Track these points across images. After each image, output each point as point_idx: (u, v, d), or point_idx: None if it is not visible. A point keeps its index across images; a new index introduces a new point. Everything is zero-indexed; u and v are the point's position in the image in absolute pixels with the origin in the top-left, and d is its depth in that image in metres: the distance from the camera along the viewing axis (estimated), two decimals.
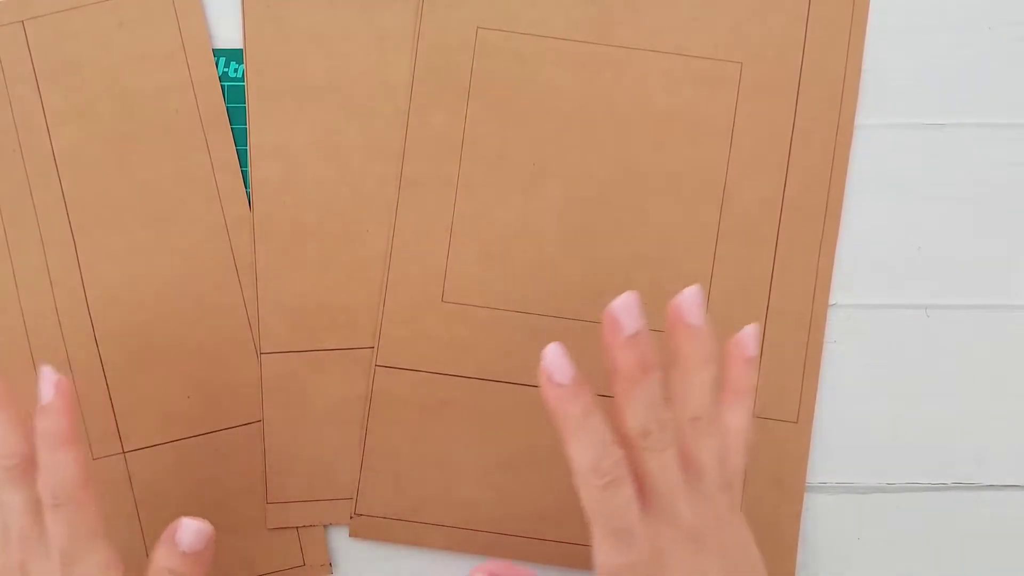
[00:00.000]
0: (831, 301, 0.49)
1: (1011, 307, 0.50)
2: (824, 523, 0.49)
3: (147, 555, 0.47)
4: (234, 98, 0.49)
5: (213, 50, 0.49)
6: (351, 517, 0.48)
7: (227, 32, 0.49)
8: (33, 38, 0.48)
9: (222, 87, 0.49)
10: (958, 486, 0.49)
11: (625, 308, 0.36)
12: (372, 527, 0.48)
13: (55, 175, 0.48)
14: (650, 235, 0.48)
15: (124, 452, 0.48)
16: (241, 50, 0.49)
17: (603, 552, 0.36)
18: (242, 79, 0.49)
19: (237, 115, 0.49)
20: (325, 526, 0.48)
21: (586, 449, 0.36)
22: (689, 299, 0.37)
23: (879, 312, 0.49)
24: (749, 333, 0.39)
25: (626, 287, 0.48)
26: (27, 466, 0.38)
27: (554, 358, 0.37)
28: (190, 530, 0.38)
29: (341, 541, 0.48)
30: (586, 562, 0.47)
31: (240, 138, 0.49)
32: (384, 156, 0.48)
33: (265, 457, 0.48)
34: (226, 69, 0.49)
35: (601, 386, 0.48)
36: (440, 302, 0.48)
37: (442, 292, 0.48)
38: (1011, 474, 0.49)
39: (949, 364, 0.49)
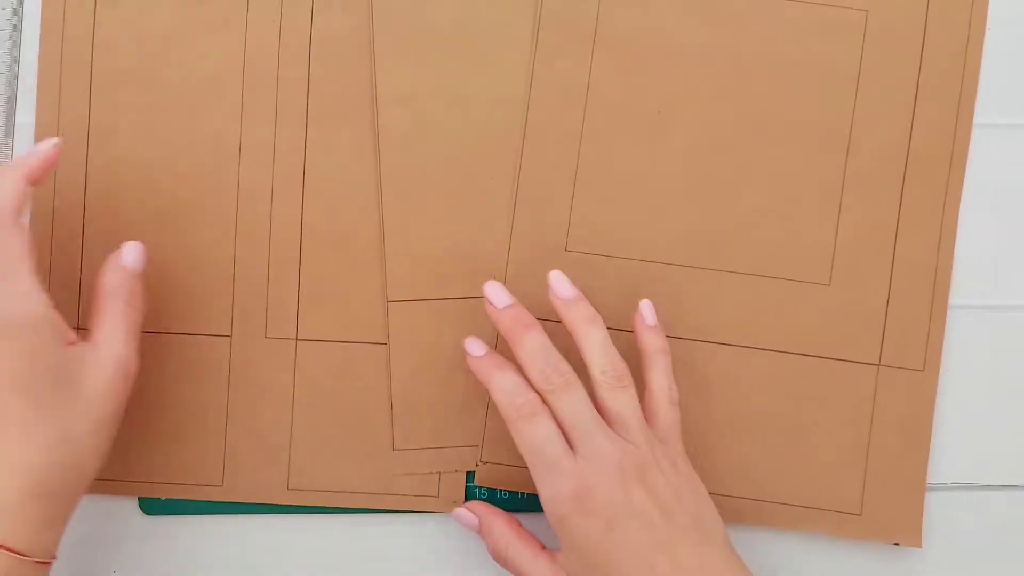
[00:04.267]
0: None
1: (1011, 307, 0.49)
2: None
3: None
4: None
5: None
6: (477, 465, 0.48)
7: None
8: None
9: None
10: (958, 486, 0.49)
11: (492, 290, 0.44)
12: (497, 475, 0.48)
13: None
14: (775, 184, 0.48)
15: (297, 339, 0.48)
16: None
17: (541, 487, 0.41)
18: None
19: None
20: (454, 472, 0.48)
21: (501, 392, 0.42)
22: (555, 280, 0.44)
23: None
24: (644, 305, 0.45)
25: (750, 236, 0.48)
26: None
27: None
28: (133, 250, 0.42)
29: (345, 541, 0.49)
30: None
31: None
32: (508, 104, 0.48)
33: (392, 405, 0.48)
34: None
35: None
36: (564, 251, 0.48)
37: (565, 241, 0.48)
38: (1011, 474, 0.49)
39: (948, 364, 0.49)
